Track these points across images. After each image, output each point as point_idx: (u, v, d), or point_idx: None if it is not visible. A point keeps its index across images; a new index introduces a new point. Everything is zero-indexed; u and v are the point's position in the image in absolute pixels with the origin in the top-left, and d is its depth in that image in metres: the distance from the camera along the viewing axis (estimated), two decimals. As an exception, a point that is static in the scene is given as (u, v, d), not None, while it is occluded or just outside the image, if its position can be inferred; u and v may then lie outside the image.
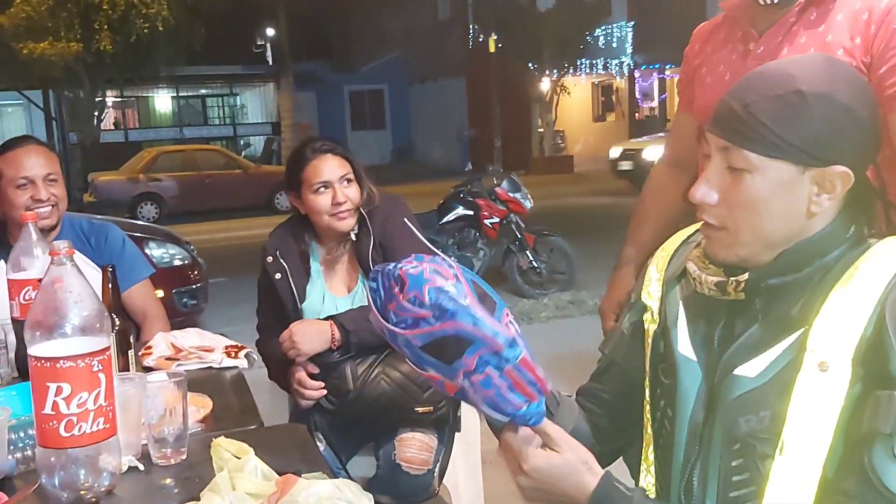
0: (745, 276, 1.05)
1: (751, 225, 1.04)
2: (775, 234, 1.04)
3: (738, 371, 1.04)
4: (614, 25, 22.65)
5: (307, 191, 2.16)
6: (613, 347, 1.29)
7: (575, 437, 1.06)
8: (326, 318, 2.10)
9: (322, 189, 2.14)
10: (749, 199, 1.03)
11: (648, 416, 1.18)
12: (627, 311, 1.27)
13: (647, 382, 1.19)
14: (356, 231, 2.20)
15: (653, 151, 12.10)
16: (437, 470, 2.16)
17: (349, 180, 2.17)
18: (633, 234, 2.00)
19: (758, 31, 1.67)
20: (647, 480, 1.17)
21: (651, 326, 1.20)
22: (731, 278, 1.06)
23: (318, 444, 2.14)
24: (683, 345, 1.12)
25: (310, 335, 2.06)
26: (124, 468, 1.31)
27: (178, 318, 4.97)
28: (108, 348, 1.21)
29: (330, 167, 2.15)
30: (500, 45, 20.54)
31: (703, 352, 1.10)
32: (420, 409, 2.13)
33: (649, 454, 1.18)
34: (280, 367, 2.17)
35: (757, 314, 1.05)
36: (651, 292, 1.22)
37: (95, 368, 1.18)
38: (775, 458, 0.98)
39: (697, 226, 1.24)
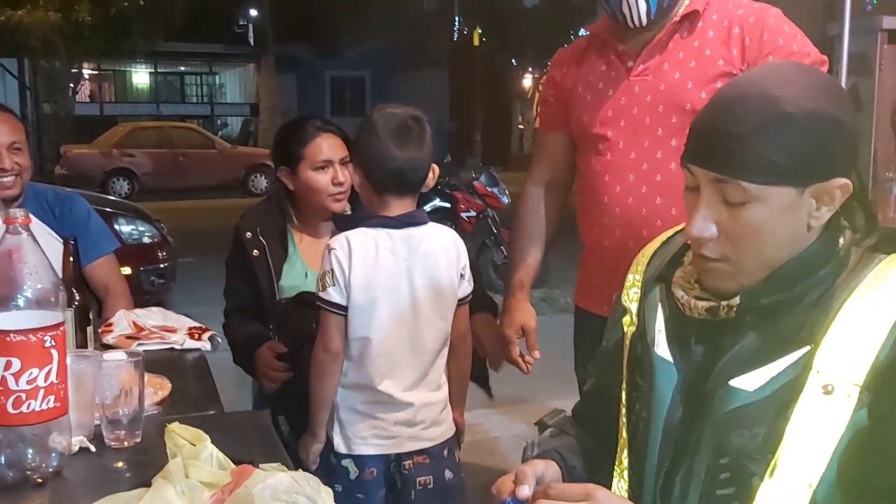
0: (737, 300, 1.01)
1: (755, 254, 1.00)
2: (779, 257, 1.00)
3: (735, 382, 0.99)
4: (598, 26, 22.66)
5: (306, 167, 2.13)
6: (600, 369, 1.25)
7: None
8: None
9: (324, 167, 2.12)
10: (753, 230, 0.98)
11: (624, 419, 1.15)
12: (609, 326, 1.24)
13: (623, 386, 1.16)
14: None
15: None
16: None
17: (346, 163, 2.15)
18: (519, 259, 2.01)
19: (632, 50, 1.79)
20: (620, 486, 1.14)
21: (629, 329, 1.17)
22: (723, 303, 1.02)
23: (283, 428, 2.10)
24: (661, 346, 1.09)
25: None
26: (75, 449, 1.26)
27: (145, 297, 4.89)
28: (61, 323, 1.15)
29: (333, 146, 2.14)
30: (484, 40, 20.49)
31: (680, 354, 1.07)
32: (387, 399, 2.08)
33: (623, 458, 1.14)
34: (246, 349, 2.12)
35: (748, 326, 1.01)
36: (630, 294, 1.19)
37: (48, 344, 1.13)
38: (764, 480, 0.94)
39: (678, 228, 1.21)
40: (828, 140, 0.96)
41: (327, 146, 2.12)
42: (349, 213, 2.17)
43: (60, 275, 1.68)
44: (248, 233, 2.16)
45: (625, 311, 1.18)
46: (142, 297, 4.80)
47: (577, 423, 1.28)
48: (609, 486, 1.13)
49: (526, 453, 1.21)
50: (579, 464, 1.16)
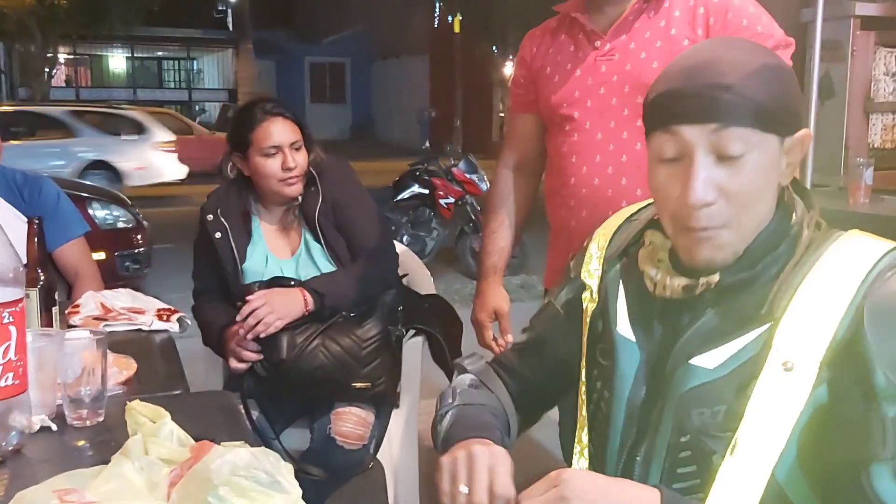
0: (716, 277, 1.00)
1: (751, 212, 0.99)
2: (764, 215, 1.00)
3: (695, 361, 0.99)
4: (580, 14, 22.63)
5: (255, 153, 2.10)
6: (545, 324, 1.24)
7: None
8: (296, 286, 2.06)
9: (272, 153, 2.08)
10: (750, 183, 0.96)
11: (584, 397, 1.15)
12: (562, 287, 1.23)
13: (583, 363, 1.16)
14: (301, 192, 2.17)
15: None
16: (371, 445, 2.13)
17: (299, 147, 2.12)
18: (491, 242, 1.99)
19: (600, 30, 1.79)
20: (581, 464, 1.14)
21: (590, 305, 1.16)
22: (702, 279, 1.00)
23: (252, 411, 2.10)
24: (622, 325, 1.08)
25: (284, 301, 2.01)
26: (35, 427, 1.25)
27: (120, 282, 4.83)
28: (20, 300, 1.14)
29: (281, 131, 2.10)
30: (465, 26, 20.41)
31: (641, 332, 1.07)
32: (358, 385, 2.09)
33: (583, 437, 1.14)
34: (216, 330, 2.11)
35: (707, 304, 1.01)
36: (591, 270, 1.17)
37: (6, 320, 1.11)
38: (725, 458, 0.94)
39: (640, 204, 1.20)
40: (794, 91, 1.00)
41: (276, 131, 2.09)
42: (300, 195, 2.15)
43: (25, 255, 1.68)
44: (210, 215, 2.15)
45: (584, 286, 1.17)
46: (116, 282, 4.75)
47: (504, 371, 1.26)
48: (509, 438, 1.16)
49: (444, 399, 1.19)
50: (503, 429, 1.16)
